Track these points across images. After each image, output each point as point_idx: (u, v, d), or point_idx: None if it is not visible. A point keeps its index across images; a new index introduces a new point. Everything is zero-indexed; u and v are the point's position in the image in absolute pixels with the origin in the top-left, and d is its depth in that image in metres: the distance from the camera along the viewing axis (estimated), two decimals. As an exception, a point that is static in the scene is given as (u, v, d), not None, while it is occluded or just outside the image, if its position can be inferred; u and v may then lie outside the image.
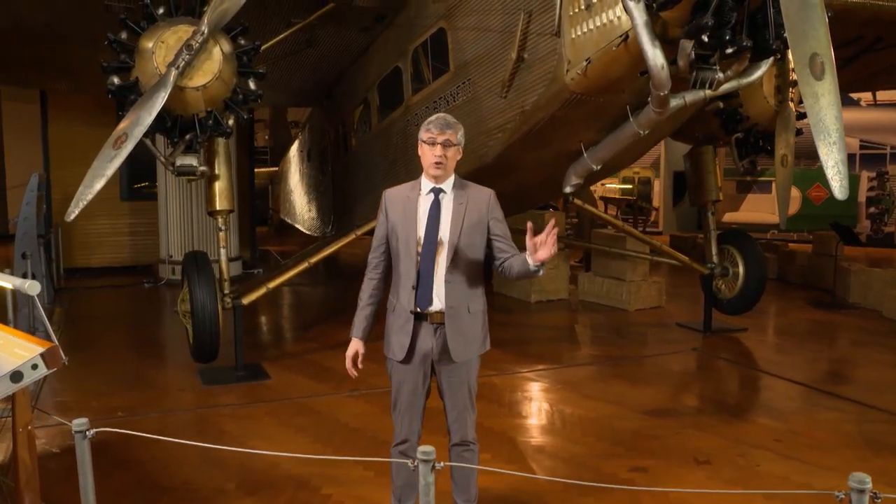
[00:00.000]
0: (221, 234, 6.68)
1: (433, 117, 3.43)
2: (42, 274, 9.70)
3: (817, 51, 4.00)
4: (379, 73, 8.32)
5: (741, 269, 8.67)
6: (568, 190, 6.31)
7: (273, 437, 5.27)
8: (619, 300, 10.00)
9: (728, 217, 17.56)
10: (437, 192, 3.47)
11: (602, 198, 18.65)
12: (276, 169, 18.13)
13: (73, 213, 5.32)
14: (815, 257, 11.67)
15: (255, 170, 17.86)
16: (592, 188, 16.66)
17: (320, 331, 8.71)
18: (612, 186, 19.13)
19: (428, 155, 3.41)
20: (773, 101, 7.89)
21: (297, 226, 15.13)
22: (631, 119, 5.33)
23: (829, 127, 4.00)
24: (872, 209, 16.77)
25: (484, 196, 3.52)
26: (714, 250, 8.70)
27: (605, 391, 6.36)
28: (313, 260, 7.25)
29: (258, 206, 18.74)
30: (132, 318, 9.69)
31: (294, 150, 15.34)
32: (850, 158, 18.36)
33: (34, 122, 13.27)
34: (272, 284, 6.97)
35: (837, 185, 3.98)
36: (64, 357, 3.14)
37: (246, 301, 6.76)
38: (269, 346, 8.11)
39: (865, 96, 15.48)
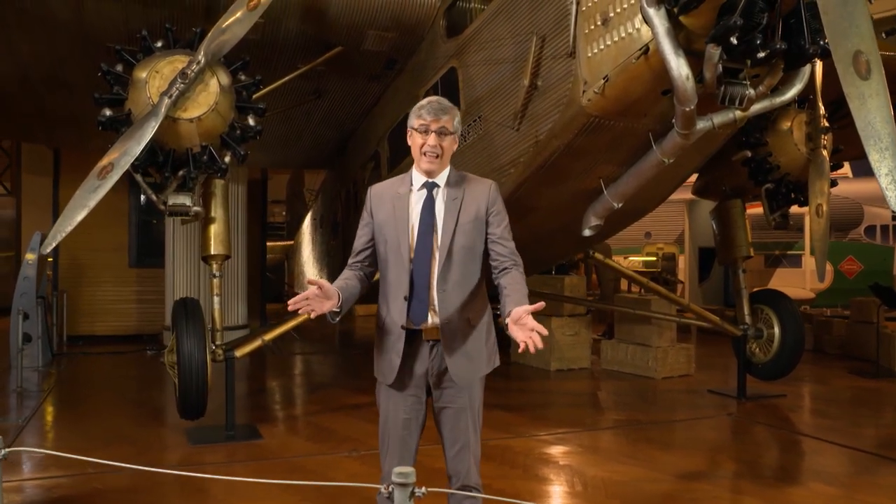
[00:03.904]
0: (215, 281, 6.25)
1: (425, 101, 2.99)
2: (38, 335, 9.32)
3: (861, 48, 3.57)
4: (389, 123, 8.03)
5: (777, 331, 8.05)
6: (587, 233, 5.83)
7: (258, 497, 4.67)
8: (646, 367, 9.33)
9: (757, 292, 16.90)
10: (430, 186, 3.00)
11: (625, 271, 18.08)
12: (291, 242, 17.87)
13: (50, 245, 4.95)
14: (854, 325, 10.96)
15: (272, 243, 17.65)
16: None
17: (324, 395, 8.16)
18: (635, 259, 18.62)
19: (419, 144, 2.96)
20: (804, 149, 7.46)
21: (310, 296, 14.66)
22: (654, 147, 4.92)
23: (880, 131, 3.52)
24: (909, 283, 16.02)
25: (483, 188, 3.03)
26: (746, 310, 8.11)
27: (631, 454, 5.70)
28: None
29: (273, 280, 18.40)
30: (127, 381, 9.19)
31: (308, 220, 15.08)
32: (883, 230, 17.79)
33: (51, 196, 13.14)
34: (268, 336, 6.47)
35: (893, 195, 3.48)
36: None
37: (239, 354, 6.25)
38: (265, 408, 7.56)
39: None
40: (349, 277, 3.05)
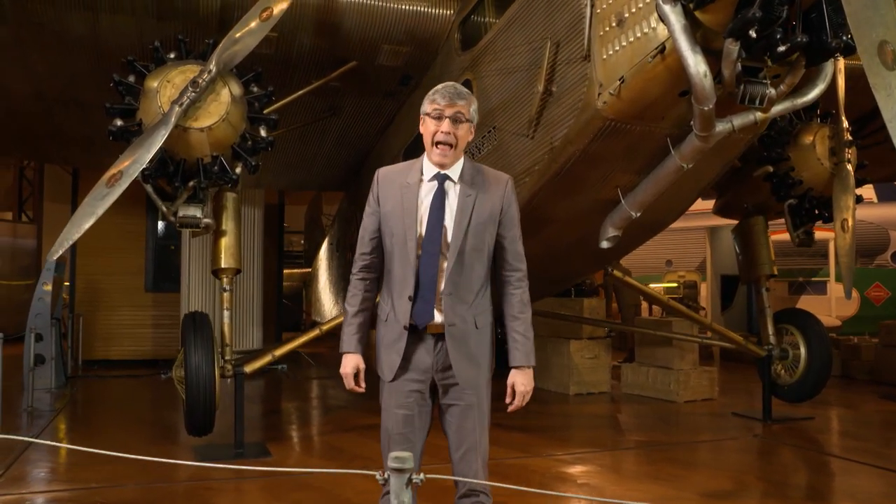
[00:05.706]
0: (225, 295, 6.16)
1: (440, 85, 2.85)
2: (51, 356, 9.26)
3: (886, 38, 3.42)
4: (404, 140, 7.96)
5: (803, 351, 7.79)
6: (605, 244, 5.67)
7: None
8: (667, 391, 9.07)
9: (781, 320, 16.50)
10: (441, 179, 2.82)
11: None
12: (309, 270, 17.78)
13: (57, 252, 4.88)
14: (883, 350, 10.63)
15: (290, 270, 17.57)
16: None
17: (336, 416, 7.99)
18: (656, 286, 18.34)
19: (432, 132, 2.79)
20: (827, 164, 7.28)
21: (326, 322, 14.56)
22: (672, 151, 4.78)
23: (909, 123, 3.38)
24: (939, 309, 15.59)
25: (499, 186, 2.86)
26: (771, 330, 7.86)
27: (654, 474, 5.48)
28: (325, 328, 6.65)
29: (291, 308, 18.29)
30: (139, 403, 9.11)
31: (324, 246, 15.02)
32: (910, 256, 17.37)
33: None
34: (279, 352, 6.36)
35: (924, 188, 3.31)
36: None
37: (249, 369, 6.14)
38: (276, 428, 7.44)
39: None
40: (364, 304, 2.96)
